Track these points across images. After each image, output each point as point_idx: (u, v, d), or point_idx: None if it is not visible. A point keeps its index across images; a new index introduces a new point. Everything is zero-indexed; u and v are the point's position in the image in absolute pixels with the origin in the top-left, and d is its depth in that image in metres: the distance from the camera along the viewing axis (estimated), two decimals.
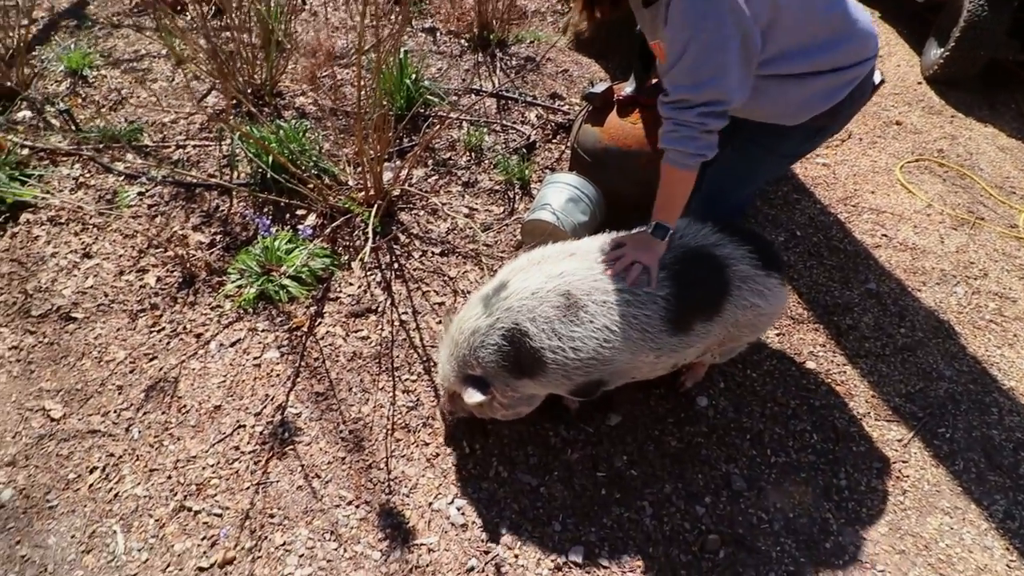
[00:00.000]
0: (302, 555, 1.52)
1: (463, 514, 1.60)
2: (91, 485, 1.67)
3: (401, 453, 1.74)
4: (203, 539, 1.55)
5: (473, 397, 1.46)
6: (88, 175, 2.78)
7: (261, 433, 1.78)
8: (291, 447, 1.75)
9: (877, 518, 1.69)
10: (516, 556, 1.53)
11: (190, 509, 1.61)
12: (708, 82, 1.32)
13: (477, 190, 2.79)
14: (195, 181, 2.74)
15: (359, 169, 2.87)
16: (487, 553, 1.53)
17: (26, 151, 2.85)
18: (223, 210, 2.63)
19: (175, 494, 1.64)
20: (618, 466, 1.73)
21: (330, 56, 1.56)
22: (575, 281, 1.45)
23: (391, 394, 1.89)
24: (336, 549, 1.53)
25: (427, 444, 1.76)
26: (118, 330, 2.14)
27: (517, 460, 1.72)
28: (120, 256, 2.43)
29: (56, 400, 1.90)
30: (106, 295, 2.27)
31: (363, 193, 2.61)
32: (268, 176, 2.58)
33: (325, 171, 2.79)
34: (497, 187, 2.78)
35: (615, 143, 2.32)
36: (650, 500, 1.66)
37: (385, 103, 3.18)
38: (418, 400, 1.88)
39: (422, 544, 1.55)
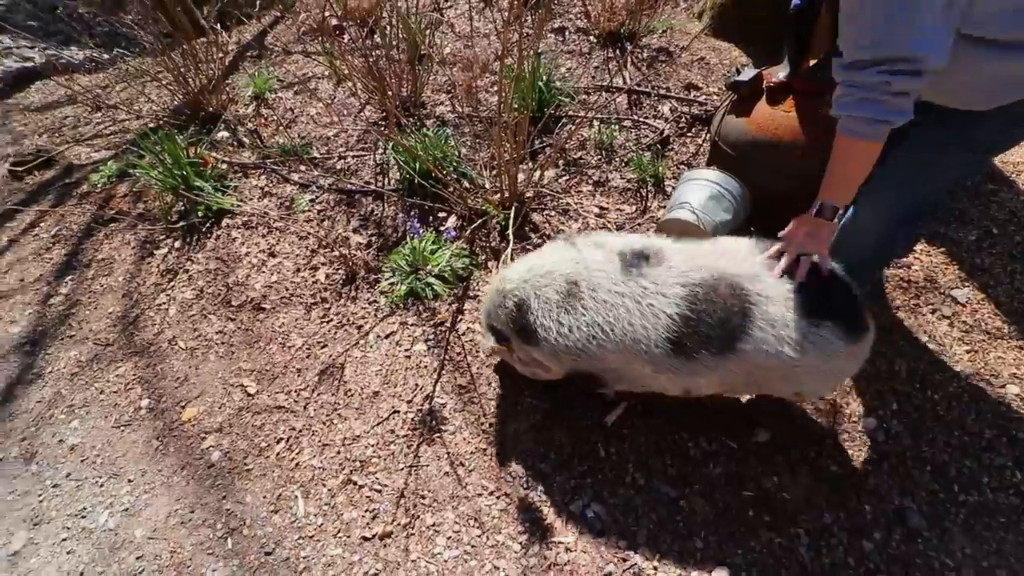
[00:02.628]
0: (449, 537, 1.60)
1: (599, 518, 1.57)
2: (278, 454, 1.92)
3: (536, 450, 1.76)
4: (366, 511, 1.70)
5: (488, 340, 1.65)
6: (271, 185, 3.18)
7: (412, 420, 1.91)
8: (438, 435, 1.85)
9: None
10: (655, 568, 1.47)
11: (356, 483, 1.78)
12: (893, 35, 1.06)
13: (608, 189, 2.71)
14: (354, 188, 3.01)
15: (494, 172, 2.95)
16: (624, 561, 1.49)
17: (224, 166, 3.35)
18: (377, 213, 2.86)
19: (343, 468, 1.83)
20: (767, 487, 1.58)
21: (473, 67, 1.60)
22: (587, 273, 1.46)
23: (527, 392, 1.92)
24: (480, 536, 1.59)
25: (562, 444, 1.75)
26: (296, 320, 2.43)
27: (655, 468, 1.65)
28: (296, 255, 2.75)
29: (251, 378, 2.22)
30: (287, 289, 2.59)
31: (498, 196, 2.68)
32: (416, 181, 2.74)
33: (464, 175, 2.90)
34: (629, 185, 2.68)
35: (764, 134, 2.11)
36: (806, 528, 1.49)
37: (516, 107, 3.24)
38: (555, 396, 1.89)
39: (559, 542, 1.55)
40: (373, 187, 2.98)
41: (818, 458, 1.62)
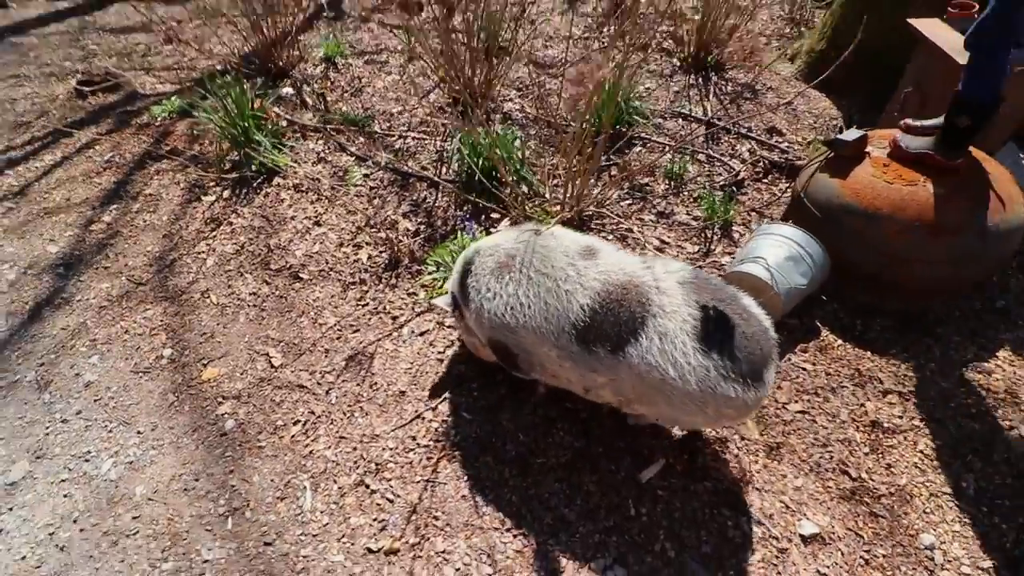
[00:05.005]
0: (458, 569, 1.47)
1: None
2: (293, 436, 1.81)
3: (561, 491, 1.62)
4: (375, 520, 1.58)
5: (439, 300, 1.80)
6: (327, 152, 3.06)
7: (436, 430, 1.78)
8: (460, 452, 1.72)
9: None
10: None
11: (368, 487, 1.65)
12: None
13: (672, 222, 2.55)
14: (410, 171, 2.88)
15: (554, 182, 2.80)
16: None
17: (284, 124, 3.23)
18: (429, 202, 2.72)
19: (357, 467, 1.70)
20: None
21: (584, 81, 1.45)
22: (523, 251, 1.56)
23: (560, 425, 1.78)
24: (491, 573, 1.46)
25: (590, 492, 1.61)
26: (332, 296, 2.31)
27: (688, 542, 1.50)
28: (342, 229, 2.63)
29: (278, 349, 2.10)
30: (327, 262, 2.47)
31: (559, 207, 2.53)
32: (476, 177, 2.60)
33: (524, 179, 2.75)
34: (694, 223, 2.51)
35: (859, 202, 1.92)
36: None
37: (588, 118, 3.08)
38: (588, 435, 1.74)
39: None
40: (430, 174, 2.84)
41: (866, 566, 1.45)
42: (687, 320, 1.34)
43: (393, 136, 3.13)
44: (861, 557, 1.46)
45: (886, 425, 1.72)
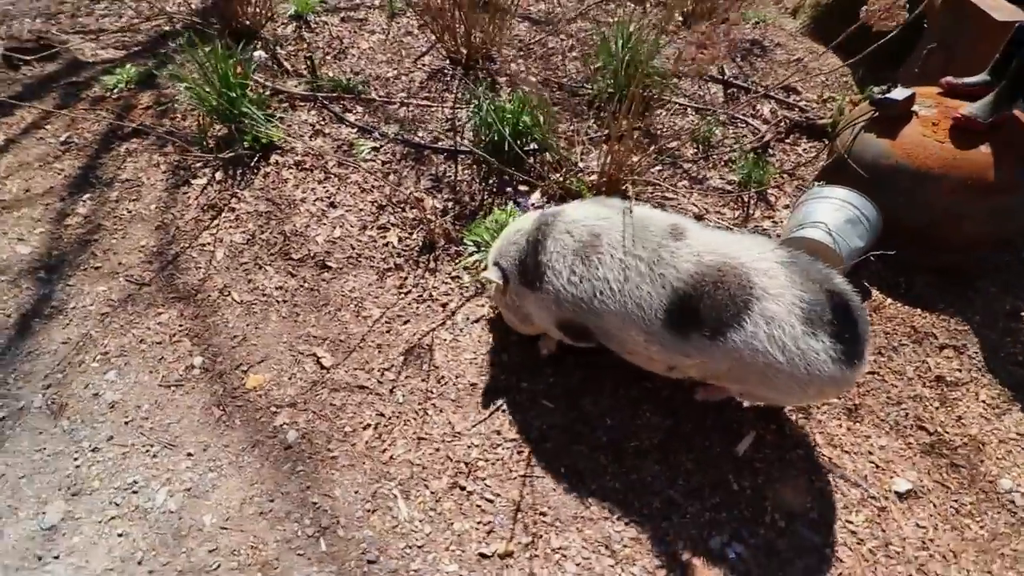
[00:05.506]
0: (579, 564, 1.43)
1: (742, 559, 1.44)
2: (367, 443, 1.68)
3: (661, 474, 1.60)
4: (479, 523, 1.50)
5: (490, 274, 1.62)
6: (324, 123, 2.77)
7: (519, 420, 1.70)
8: (549, 443, 1.66)
9: None
10: None
11: (463, 488, 1.57)
12: None
13: (706, 188, 2.50)
14: (424, 143, 2.66)
15: (579, 149, 2.67)
16: None
17: (267, 92, 2.89)
18: (450, 176, 2.54)
19: (446, 469, 1.61)
20: (908, 538, 1.49)
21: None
22: (610, 231, 1.46)
23: (645, 406, 1.74)
24: (613, 566, 1.43)
25: (689, 471, 1.60)
26: (369, 285, 2.13)
27: (796, 510, 1.52)
28: (361, 210, 2.41)
29: (324, 348, 1.93)
30: (353, 248, 2.27)
31: (596, 176, 2.41)
32: (506, 146, 2.42)
33: (550, 147, 2.60)
34: (729, 188, 2.48)
35: (911, 162, 1.94)
36: None
37: (608, 81, 2.93)
38: (676, 414, 1.72)
39: None
40: (447, 144, 2.64)
41: (957, 515, 1.54)
42: (794, 303, 1.30)
43: (395, 103, 2.87)
44: (951, 507, 1.54)
45: (948, 379, 1.80)
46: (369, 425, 1.71)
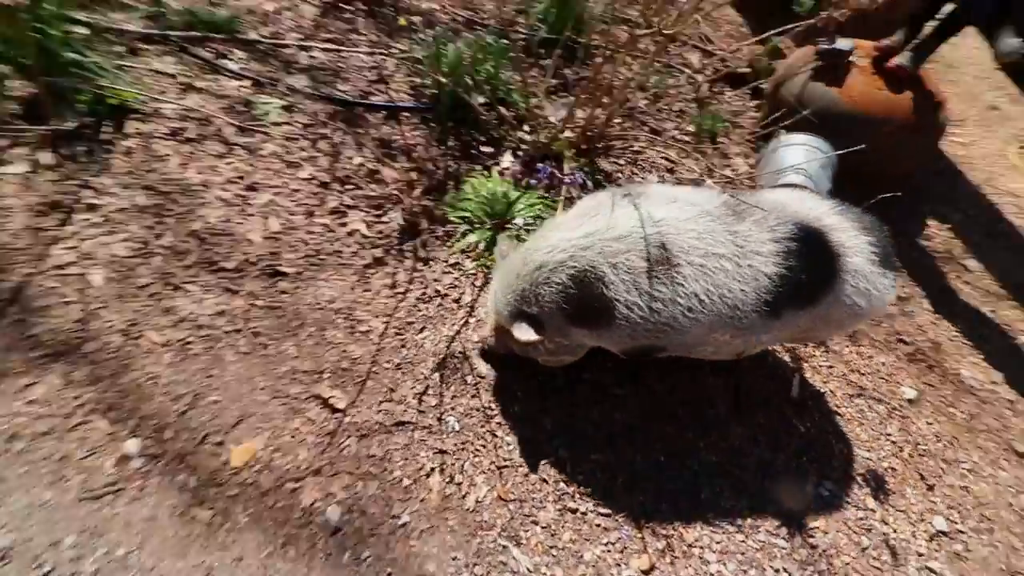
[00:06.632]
0: (716, 551, 1.34)
1: (835, 495, 1.52)
2: (439, 492, 1.31)
3: (747, 437, 1.58)
4: (608, 544, 1.30)
5: (525, 335, 1.25)
6: (192, 74, 2.00)
7: (595, 421, 1.50)
8: (635, 432, 1.50)
9: None
10: (908, 540, 1.49)
11: (575, 511, 1.33)
12: None
13: (667, 140, 2.47)
14: (350, 98, 2.08)
15: (535, 101, 2.38)
16: (870, 531, 1.48)
17: (85, 30, 1.95)
18: (398, 139, 2.06)
19: (547, 495, 1.34)
20: (926, 435, 1.74)
21: None
22: (673, 233, 1.21)
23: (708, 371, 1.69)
24: (744, 541, 1.37)
25: (762, 425, 1.61)
26: (351, 290, 1.63)
27: (850, 438, 1.65)
28: (296, 192, 1.82)
29: (326, 384, 1.43)
30: (306, 243, 1.71)
31: (574, 133, 2.17)
32: (451, 101, 2.03)
33: (508, 102, 2.27)
34: (686, 137, 2.48)
35: (858, 108, 2.14)
36: None
37: (537, 22, 2.64)
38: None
39: (815, 528, 1.45)
40: (385, 100, 2.11)
41: (945, 407, 1.83)
42: (867, 249, 1.32)
43: (289, 47, 2.20)
44: (940, 402, 1.83)
45: (901, 295, 2.12)
46: (432, 469, 1.34)
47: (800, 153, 2.08)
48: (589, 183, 2.05)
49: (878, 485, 1.56)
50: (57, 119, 1.68)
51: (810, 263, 1.25)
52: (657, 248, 1.20)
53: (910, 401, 1.80)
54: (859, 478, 1.57)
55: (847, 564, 1.40)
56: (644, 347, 1.32)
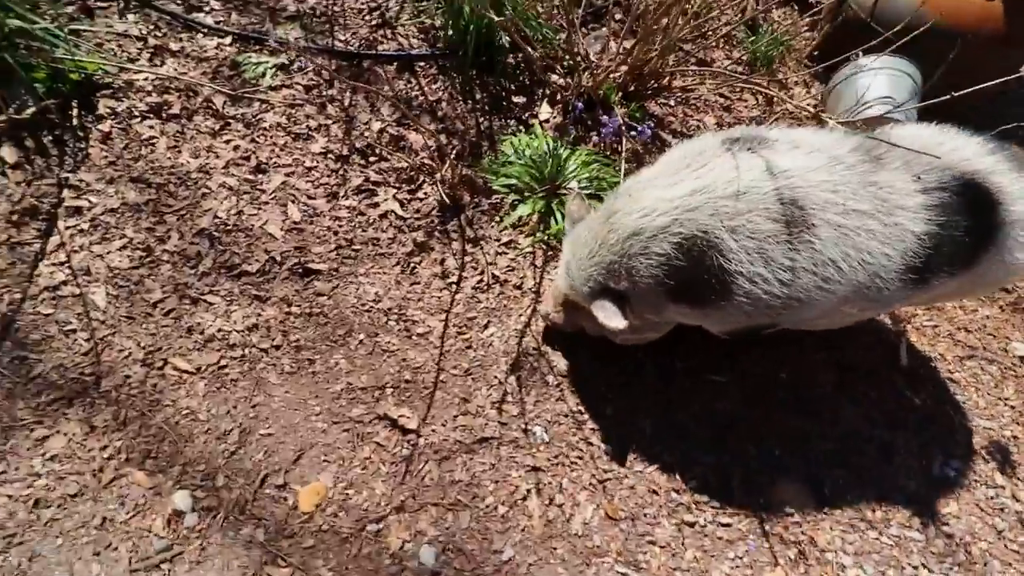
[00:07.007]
0: (848, 551, 1.21)
1: (959, 474, 1.38)
2: (541, 517, 1.14)
3: (860, 416, 1.41)
4: (736, 558, 1.15)
5: (612, 320, 1.04)
6: (161, 34, 1.65)
7: (698, 413, 1.32)
8: (742, 423, 1.33)
9: None
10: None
11: (692, 524, 1.18)
12: None
13: (724, 71, 2.15)
14: (355, 50, 1.75)
15: (565, 37, 2.04)
16: (1003, 511, 1.35)
17: None
18: (418, 96, 1.75)
19: (660, 508, 1.18)
20: None
21: None
22: (806, 187, 0.99)
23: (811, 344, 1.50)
24: (877, 538, 1.24)
25: (873, 400, 1.45)
26: (397, 285, 1.40)
27: (968, 406, 1.49)
28: (313, 170, 1.54)
29: (391, 402, 1.22)
30: (336, 232, 1.45)
31: (618, 73, 1.86)
32: (499, 42, 1.72)
33: (539, 40, 1.93)
34: (738, 67, 2.17)
35: (949, 22, 1.84)
36: None
37: None
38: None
39: (947, 514, 1.32)
40: (395, 48, 1.77)
41: None
42: None
43: None
44: None
45: None
46: (528, 491, 1.16)
47: (883, 81, 1.80)
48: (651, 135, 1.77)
49: (1004, 457, 1.42)
50: (12, 104, 1.36)
51: (967, 217, 1.04)
52: (789, 206, 0.98)
53: (1022, 359, 1.64)
54: (983, 451, 1.43)
55: (985, 551, 1.27)
56: (757, 326, 1.12)
